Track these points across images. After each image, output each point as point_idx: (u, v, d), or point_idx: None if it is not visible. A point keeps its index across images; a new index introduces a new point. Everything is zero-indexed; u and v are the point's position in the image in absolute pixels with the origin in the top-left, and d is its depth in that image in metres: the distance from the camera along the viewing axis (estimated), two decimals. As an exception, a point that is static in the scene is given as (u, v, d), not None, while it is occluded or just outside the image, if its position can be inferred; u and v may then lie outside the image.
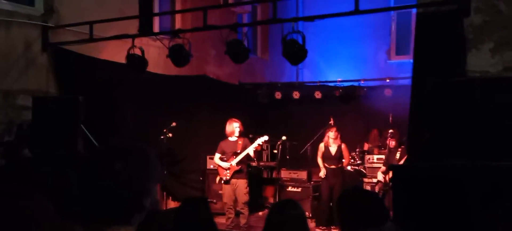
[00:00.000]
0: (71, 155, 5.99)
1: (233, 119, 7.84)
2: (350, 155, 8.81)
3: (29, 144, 5.54)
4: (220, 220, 8.52)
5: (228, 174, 7.67)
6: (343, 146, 8.17)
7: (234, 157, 7.68)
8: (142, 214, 1.61)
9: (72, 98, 6.53)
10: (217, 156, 7.86)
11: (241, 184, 7.66)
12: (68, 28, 7.27)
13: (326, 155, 8.15)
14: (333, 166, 8.10)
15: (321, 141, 8.38)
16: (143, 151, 1.65)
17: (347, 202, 2.75)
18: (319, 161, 8.23)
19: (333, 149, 8.12)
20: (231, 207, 7.76)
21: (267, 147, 9.97)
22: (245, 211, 7.68)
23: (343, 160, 8.25)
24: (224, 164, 7.71)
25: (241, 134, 7.84)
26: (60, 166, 5.33)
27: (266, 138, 7.90)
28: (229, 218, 7.80)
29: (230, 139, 7.82)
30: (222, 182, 7.79)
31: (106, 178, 1.54)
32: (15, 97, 6.84)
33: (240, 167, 7.65)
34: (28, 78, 7.02)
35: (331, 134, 8.12)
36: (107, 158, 1.58)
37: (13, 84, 6.83)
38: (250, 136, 8.32)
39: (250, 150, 7.66)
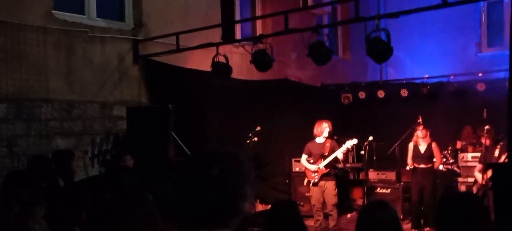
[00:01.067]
0: (165, 161, 6.26)
1: (323, 120, 7.74)
2: (442, 153, 8.41)
3: (128, 152, 5.88)
4: (308, 223, 8.48)
5: (316, 177, 7.61)
6: (433, 144, 7.82)
7: (322, 159, 7.60)
8: (240, 217, 1.63)
9: (162, 107, 6.83)
10: (304, 157, 7.83)
11: (330, 186, 7.57)
12: (156, 40, 7.62)
13: (416, 154, 7.86)
14: (422, 165, 7.79)
15: (410, 141, 8.09)
16: (238, 156, 1.67)
17: (445, 207, 2.61)
18: (409, 161, 7.96)
19: (422, 148, 7.82)
20: (319, 209, 7.70)
21: (353, 148, 9.79)
22: (334, 213, 7.59)
23: (435, 160, 7.88)
24: (312, 167, 7.66)
25: (329, 136, 7.76)
26: (157, 172, 5.58)
27: (355, 141, 7.80)
28: (317, 220, 7.74)
29: (317, 140, 7.76)
30: (311, 184, 7.75)
31: (204, 184, 1.58)
32: (111, 108, 7.28)
33: (328, 170, 7.57)
34: (122, 89, 7.43)
35: (420, 133, 7.82)
36: (204, 164, 1.62)
37: (109, 96, 7.26)
38: (335, 137, 8.21)
39: (339, 153, 7.57)
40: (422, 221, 7.85)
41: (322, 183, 7.60)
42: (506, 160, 6.47)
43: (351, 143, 7.72)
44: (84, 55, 6.98)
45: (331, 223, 7.67)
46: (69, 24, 6.82)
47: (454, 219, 2.45)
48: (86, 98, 6.98)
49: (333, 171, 7.72)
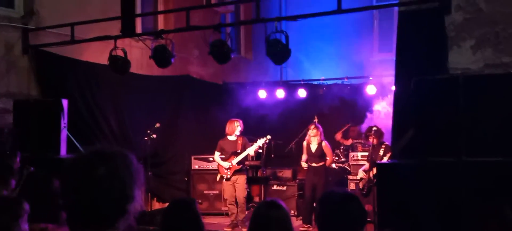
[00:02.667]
0: (55, 159, 5.93)
1: (234, 120, 8.05)
2: (334, 152, 8.82)
3: (14, 149, 5.47)
4: (207, 220, 8.51)
5: (229, 173, 7.90)
6: (324, 143, 8.12)
7: (234, 156, 7.89)
8: (127, 218, 1.60)
9: (54, 101, 6.46)
10: (217, 154, 8.04)
11: (241, 180, 7.94)
12: (49, 30, 7.18)
13: (308, 152, 8.15)
14: (314, 164, 8.09)
15: (304, 139, 8.39)
16: (126, 156, 1.65)
17: (321, 205, 2.77)
18: (303, 159, 8.23)
19: (314, 147, 8.11)
20: (232, 203, 7.96)
21: (264, 145, 9.99)
22: (244, 205, 7.93)
23: (327, 158, 8.20)
24: (225, 164, 7.91)
25: (241, 133, 8.05)
26: (45, 171, 5.27)
27: (263, 140, 8.16)
28: (232, 214, 7.98)
29: (229, 137, 8.01)
30: (224, 179, 7.98)
31: (89, 184, 1.54)
32: (-4, 101, 6.74)
33: (240, 166, 7.90)
34: (9, 81, 6.91)
35: (311, 131, 8.11)
36: (90, 163, 1.58)
37: (-6, 87, 6.72)
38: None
39: (251, 151, 7.93)
40: (313, 217, 8.18)
41: (234, 177, 7.91)
42: (389, 159, 7.00)
43: (262, 141, 8.11)
44: (-35, 42, 6.39)
45: (241, 215, 7.94)
46: (-51, 8, 6.21)
47: (332, 215, 2.60)
48: (-34, 90, 6.40)
49: (245, 167, 8.09)
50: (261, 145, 8.22)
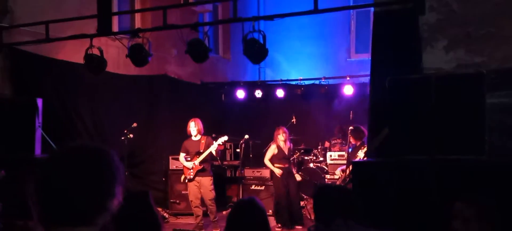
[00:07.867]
0: (29, 157, 5.85)
1: (192, 118, 7.92)
2: (312, 152, 8.92)
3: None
4: (184, 221, 8.52)
5: (191, 173, 7.78)
6: (290, 145, 8.30)
7: (197, 156, 7.77)
8: (106, 215, 1.60)
9: (28, 100, 6.36)
10: (182, 155, 7.94)
11: (206, 182, 7.77)
12: (23, 28, 7.07)
13: (282, 155, 8.08)
14: (287, 165, 8.14)
15: (272, 142, 8.30)
16: (105, 153, 1.64)
17: (322, 198, 2.86)
18: (276, 168, 8.16)
19: (286, 149, 8.13)
20: (197, 205, 7.87)
21: (230, 146, 9.98)
22: (213, 206, 7.80)
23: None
24: (188, 164, 7.82)
25: (204, 133, 7.94)
26: (19, 169, 5.21)
27: (226, 138, 8.02)
28: (198, 216, 7.90)
29: (193, 138, 7.89)
30: (186, 180, 7.88)
31: (67, 180, 1.53)
32: (-32, 100, 6.60)
33: (202, 166, 7.75)
34: (-18, 80, 6.79)
35: (281, 136, 8.08)
36: (69, 159, 1.57)
37: (-35, 86, 6.59)
38: (213, 135, 8.33)
39: (212, 149, 7.75)
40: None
41: (198, 179, 7.78)
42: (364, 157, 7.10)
43: (222, 139, 7.95)
44: None
45: (211, 216, 7.87)
46: None
47: (330, 208, 2.70)
48: None
49: (209, 167, 7.90)
50: (221, 143, 8.02)
